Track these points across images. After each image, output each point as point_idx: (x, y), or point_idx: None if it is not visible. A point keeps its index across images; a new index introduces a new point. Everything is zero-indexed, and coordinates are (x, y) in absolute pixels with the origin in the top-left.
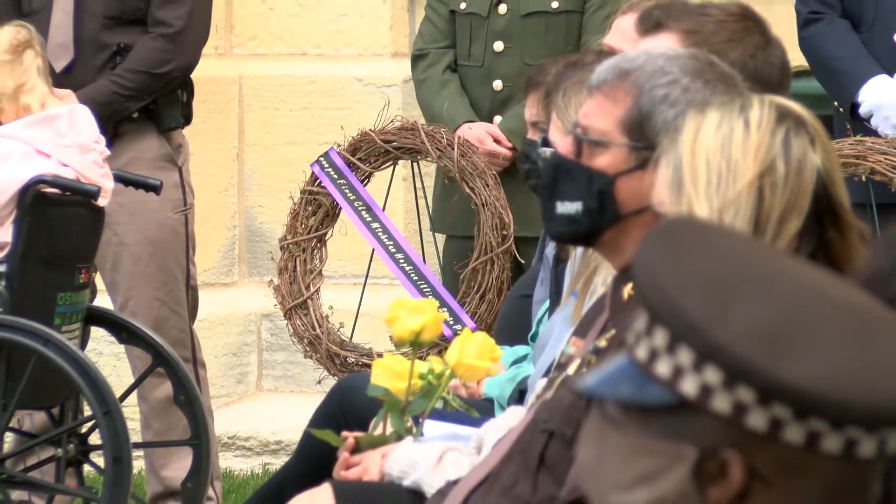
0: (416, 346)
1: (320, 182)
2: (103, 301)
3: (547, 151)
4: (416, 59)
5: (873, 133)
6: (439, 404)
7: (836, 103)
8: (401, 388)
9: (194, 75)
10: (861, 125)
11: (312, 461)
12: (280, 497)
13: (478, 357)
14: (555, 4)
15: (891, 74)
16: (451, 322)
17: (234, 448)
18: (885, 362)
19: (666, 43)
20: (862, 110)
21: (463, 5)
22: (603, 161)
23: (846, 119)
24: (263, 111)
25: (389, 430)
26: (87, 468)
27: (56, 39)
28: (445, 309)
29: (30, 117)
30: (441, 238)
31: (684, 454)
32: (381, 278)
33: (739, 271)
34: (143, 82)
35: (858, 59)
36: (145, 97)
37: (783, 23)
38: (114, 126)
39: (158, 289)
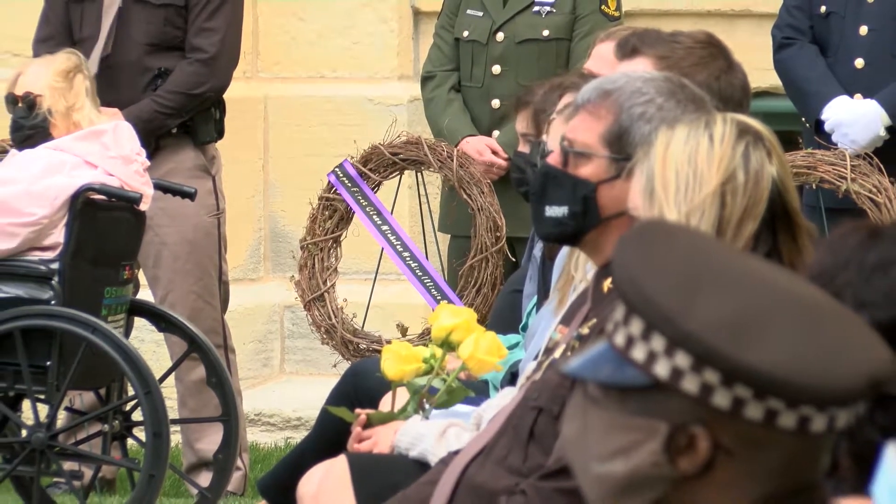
0: (448, 347)
1: (336, 190)
2: (145, 294)
3: (538, 161)
4: (425, 80)
5: (833, 147)
6: (441, 385)
7: (804, 120)
8: (410, 373)
9: (226, 96)
10: (823, 140)
11: (329, 435)
12: (300, 467)
13: (488, 353)
14: (545, 33)
15: (851, 95)
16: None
17: (260, 424)
18: (833, 349)
19: (641, 67)
20: (826, 127)
21: (465, 33)
22: (587, 170)
23: (813, 134)
24: (286, 127)
25: (397, 407)
26: (130, 442)
27: (103, 64)
28: (446, 300)
29: (79, 132)
30: (446, 238)
31: (657, 429)
32: (389, 274)
33: (705, 268)
34: (180, 102)
35: (824, 81)
36: (183, 115)
37: (744, 49)
38: (155, 140)
39: (194, 283)
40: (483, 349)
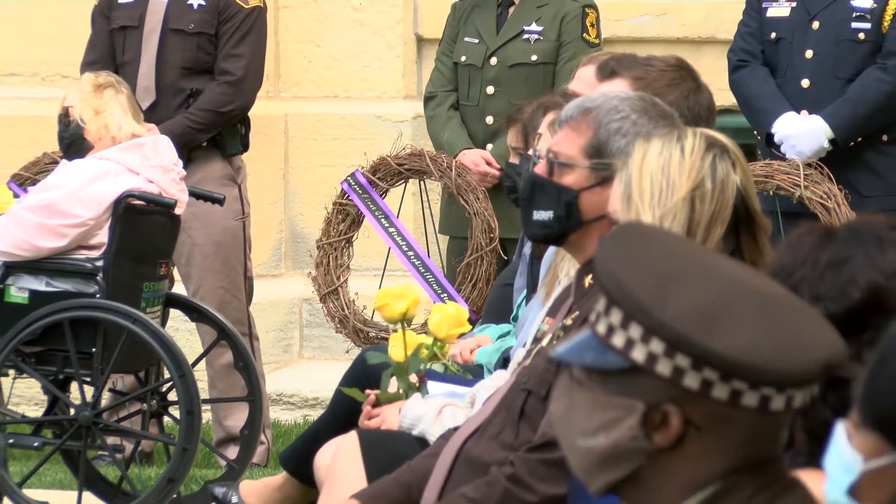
0: (405, 322)
1: (348, 196)
2: (178, 289)
3: (527, 170)
4: (428, 99)
5: (783, 157)
6: (441, 369)
7: (756, 133)
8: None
9: (250, 113)
10: (776, 151)
11: (342, 413)
12: (317, 442)
13: (456, 325)
14: (534, 58)
15: (798, 112)
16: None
17: (281, 403)
18: (791, 337)
19: (619, 87)
20: (775, 139)
21: (463, 58)
22: (569, 179)
23: (765, 146)
24: (304, 141)
25: (402, 390)
26: (166, 419)
27: (142, 84)
28: (446, 294)
29: (122, 144)
30: (445, 239)
31: (634, 408)
32: (395, 271)
33: (677, 265)
34: (210, 119)
35: (773, 99)
36: (212, 130)
37: (710, 72)
38: (188, 152)
39: (222, 279)
40: (451, 321)
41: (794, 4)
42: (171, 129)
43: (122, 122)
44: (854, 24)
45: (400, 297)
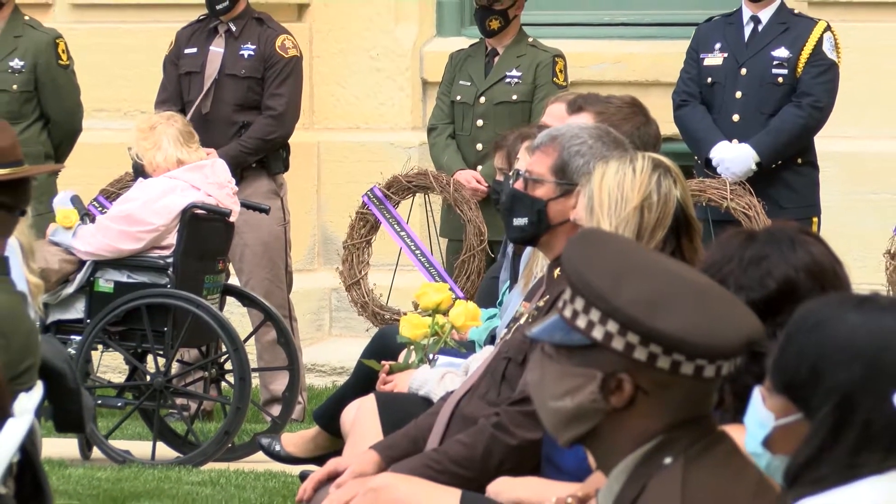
0: (437, 312)
1: (368, 207)
2: (233, 281)
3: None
4: (430, 130)
5: (716, 177)
6: (441, 344)
7: (696, 158)
8: (419, 336)
9: (290, 141)
10: (712, 173)
11: (363, 379)
12: (343, 402)
13: (471, 318)
14: (514, 97)
15: (730, 141)
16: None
17: (315, 371)
18: (719, 319)
19: (584, 119)
20: (713, 163)
21: (458, 98)
22: (540, 192)
23: (702, 168)
24: (332, 163)
25: (411, 360)
26: (223, 384)
27: (202, 119)
28: (446, 284)
29: (187, 166)
30: (445, 241)
31: (594, 376)
32: (405, 266)
33: (628, 262)
34: (258, 145)
35: (710, 131)
36: (259, 154)
37: (656, 108)
38: (240, 171)
39: (268, 272)
40: (468, 315)
41: (725, 55)
42: (227, 153)
43: (168, 152)
44: (774, 70)
45: (438, 291)
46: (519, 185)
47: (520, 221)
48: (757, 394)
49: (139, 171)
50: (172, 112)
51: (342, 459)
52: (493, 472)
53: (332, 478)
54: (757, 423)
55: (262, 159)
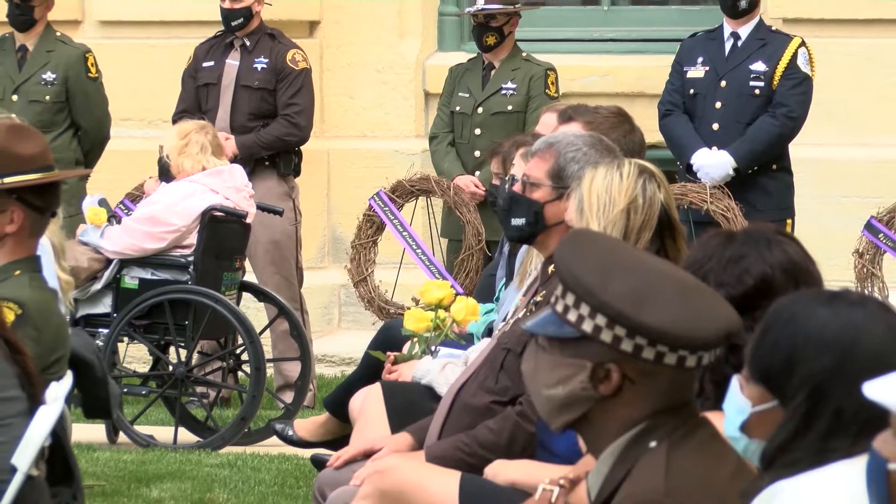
0: (438, 307)
1: (374, 209)
2: (249, 277)
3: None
4: (431, 138)
5: (697, 181)
6: (441, 337)
7: (678, 164)
8: (422, 329)
9: (303, 148)
10: (693, 177)
11: (369, 369)
12: (351, 390)
13: (471, 313)
14: (510, 107)
15: (710, 148)
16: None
17: (325, 362)
18: (700, 313)
19: (574, 128)
20: (694, 168)
21: (458, 108)
22: (537, 195)
23: (684, 173)
24: (342, 168)
25: (415, 352)
26: (239, 373)
27: (220, 126)
28: (447, 282)
29: (207, 171)
30: (445, 241)
31: (584, 366)
32: (409, 264)
33: (615, 260)
34: (272, 142)
35: (692, 138)
36: (271, 150)
37: (641, 118)
38: (252, 172)
39: (281, 270)
40: (468, 310)
41: (707, 68)
42: (244, 142)
43: (196, 159)
44: (752, 83)
45: (439, 288)
46: (517, 187)
47: (518, 221)
48: (735, 382)
49: (164, 170)
50: (206, 123)
51: (376, 440)
52: (516, 457)
53: (367, 455)
54: (735, 410)
55: (273, 162)
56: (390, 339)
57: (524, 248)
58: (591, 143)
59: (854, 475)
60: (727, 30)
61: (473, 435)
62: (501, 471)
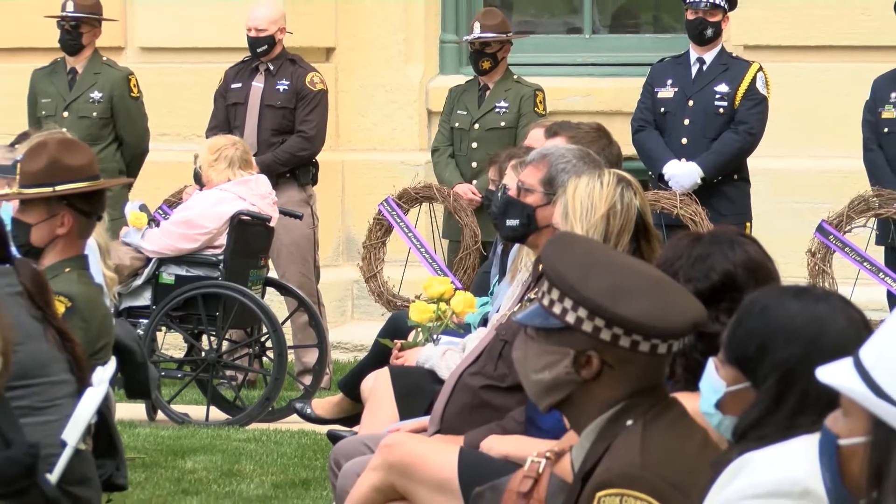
0: (440, 301)
1: (383, 214)
2: (272, 274)
3: (503, 194)
4: (433, 151)
5: (668, 189)
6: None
7: (651, 174)
8: (425, 320)
9: (320, 160)
10: (664, 186)
11: (379, 355)
12: (362, 374)
13: (468, 305)
14: (502, 124)
15: (679, 159)
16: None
17: (339, 348)
18: (671, 306)
19: (559, 142)
20: (665, 178)
21: (457, 124)
22: (530, 199)
23: (656, 182)
24: (355, 178)
25: (419, 340)
26: (264, 359)
27: (248, 141)
28: (447, 278)
29: (235, 180)
30: (446, 241)
31: (568, 353)
32: (414, 262)
33: (595, 259)
34: (288, 159)
35: (663, 151)
36: (288, 165)
37: (618, 133)
38: (275, 182)
39: (301, 267)
40: (466, 303)
41: (676, 89)
42: (264, 161)
43: (224, 172)
44: (717, 102)
45: (441, 283)
46: (513, 192)
47: (512, 222)
48: (711, 364)
49: (198, 177)
50: (238, 139)
51: (415, 420)
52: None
53: (417, 432)
54: (711, 389)
55: (293, 173)
56: (397, 328)
57: (516, 247)
58: (579, 155)
59: (813, 448)
60: (693, 55)
61: (502, 425)
62: (496, 445)
